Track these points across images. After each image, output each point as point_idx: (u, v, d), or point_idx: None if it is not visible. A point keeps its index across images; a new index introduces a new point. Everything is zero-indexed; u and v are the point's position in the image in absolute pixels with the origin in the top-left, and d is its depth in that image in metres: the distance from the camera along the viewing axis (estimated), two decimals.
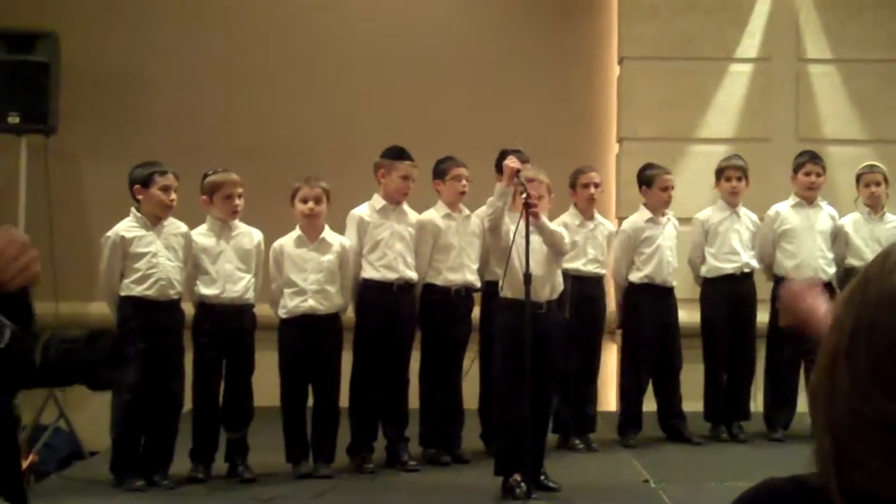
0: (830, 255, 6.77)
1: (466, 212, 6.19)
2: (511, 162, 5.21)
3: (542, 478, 5.32)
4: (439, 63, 8.04)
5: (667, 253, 6.63)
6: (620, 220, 7.37)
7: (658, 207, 6.69)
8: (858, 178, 6.89)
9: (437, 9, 8.25)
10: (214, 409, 5.68)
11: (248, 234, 5.81)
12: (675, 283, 6.70)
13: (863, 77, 7.99)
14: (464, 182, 6.11)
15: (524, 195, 5.10)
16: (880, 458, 0.83)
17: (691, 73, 7.97)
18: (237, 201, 5.71)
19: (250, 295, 5.74)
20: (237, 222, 5.78)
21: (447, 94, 8.00)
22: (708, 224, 6.84)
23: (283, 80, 7.99)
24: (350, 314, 5.98)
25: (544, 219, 5.31)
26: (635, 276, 6.65)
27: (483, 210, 5.81)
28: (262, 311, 5.86)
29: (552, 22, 8.16)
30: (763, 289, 6.88)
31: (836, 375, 0.86)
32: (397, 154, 6.00)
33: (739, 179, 6.81)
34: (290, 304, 5.73)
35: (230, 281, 5.66)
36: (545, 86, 8.11)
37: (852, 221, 6.85)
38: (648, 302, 6.63)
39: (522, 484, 5.13)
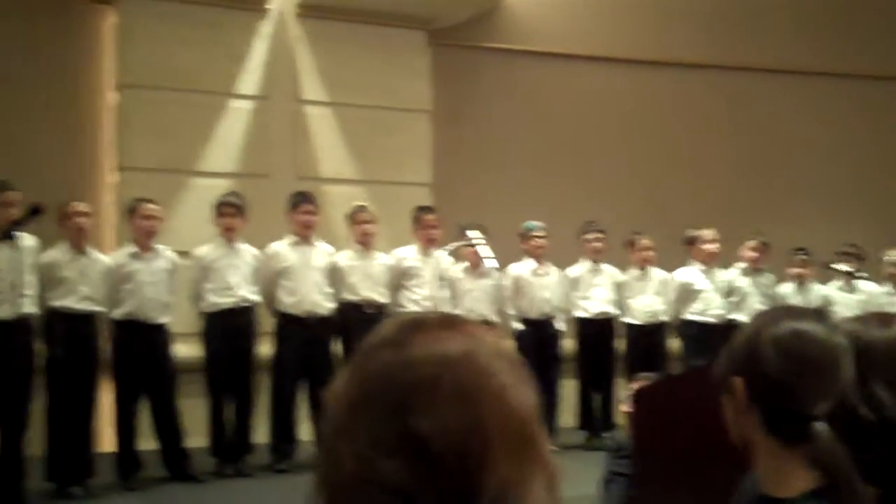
0: (328, 290, 7.00)
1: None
2: None
3: None
4: None
5: (147, 290, 6.46)
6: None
7: (141, 238, 6.54)
8: (352, 216, 7.22)
9: None
10: None
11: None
12: (163, 321, 6.53)
13: (356, 121, 8.39)
14: None
15: None
16: None
17: (191, 105, 7.82)
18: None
19: None
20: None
21: None
22: (206, 260, 6.77)
23: None
24: None
25: None
26: (117, 313, 6.43)
27: None
28: None
29: (41, 38, 7.63)
30: (267, 323, 6.94)
31: (338, 443, 0.94)
32: None
33: (234, 216, 6.83)
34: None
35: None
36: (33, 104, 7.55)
37: (347, 257, 7.15)
38: (130, 337, 6.46)
39: None
